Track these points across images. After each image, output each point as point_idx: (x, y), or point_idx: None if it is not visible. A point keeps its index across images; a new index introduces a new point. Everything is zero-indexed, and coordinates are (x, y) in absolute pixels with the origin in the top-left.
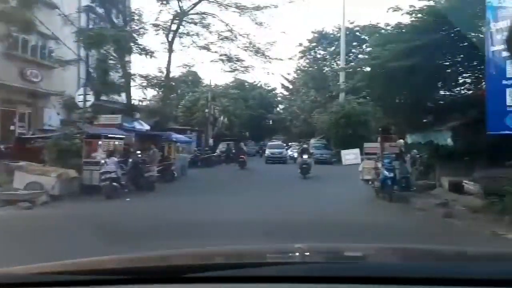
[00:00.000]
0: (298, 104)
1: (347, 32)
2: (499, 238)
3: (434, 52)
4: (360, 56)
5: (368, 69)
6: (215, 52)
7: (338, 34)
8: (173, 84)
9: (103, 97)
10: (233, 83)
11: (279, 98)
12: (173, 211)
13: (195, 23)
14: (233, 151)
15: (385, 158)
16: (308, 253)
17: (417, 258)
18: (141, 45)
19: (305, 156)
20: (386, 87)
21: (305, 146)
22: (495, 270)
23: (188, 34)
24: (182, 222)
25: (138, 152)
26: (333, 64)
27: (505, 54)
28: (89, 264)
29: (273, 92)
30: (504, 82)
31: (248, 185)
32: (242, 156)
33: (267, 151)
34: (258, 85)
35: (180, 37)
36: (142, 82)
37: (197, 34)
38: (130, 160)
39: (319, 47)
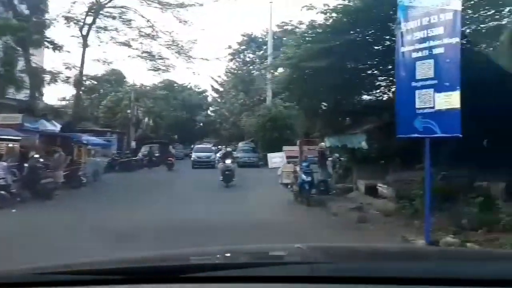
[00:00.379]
0: (227, 107)
1: (275, 37)
2: (408, 244)
3: (349, 53)
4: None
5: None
6: (136, 49)
7: (267, 38)
8: (94, 82)
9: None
10: (161, 84)
11: (209, 101)
12: (60, 221)
13: (114, 18)
14: (156, 154)
15: (303, 162)
16: (308, 253)
17: (417, 258)
18: (48, 38)
19: (227, 161)
20: (303, 89)
21: (228, 149)
22: (495, 270)
23: (106, 29)
24: (61, 233)
25: (37, 155)
26: (261, 68)
27: (414, 55)
28: (89, 264)
29: (204, 94)
30: (414, 84)
31: (163, 192)
32: (170, 159)
33: (194, 155)
34: (188, 86)
35: (98, 31)
36: (45, 78)
37: (116, 30)
38: (27, 164)
39: (248, 51)
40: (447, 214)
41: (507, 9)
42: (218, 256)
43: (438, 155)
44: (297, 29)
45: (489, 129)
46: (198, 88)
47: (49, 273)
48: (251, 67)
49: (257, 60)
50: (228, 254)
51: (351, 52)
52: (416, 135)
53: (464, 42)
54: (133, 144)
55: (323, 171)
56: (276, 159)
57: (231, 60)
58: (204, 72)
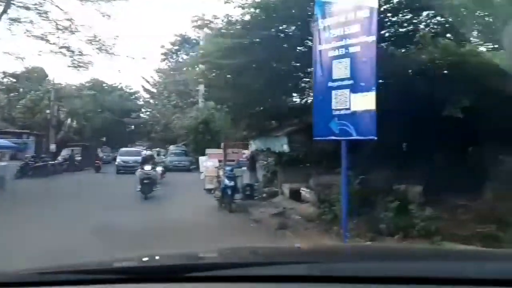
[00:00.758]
0: (159, 109)
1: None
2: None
3: (270, 53)
4: None
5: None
6: (54, 44)
7: (201, 40)
8: (13, 80)
9: None
10: (88, 83)
11: (142, 102)
12: None
13: (28, 8)
14: (78, 158)
15: (226, 166)
16: (308, 253)
17: (417, 258)
18: None
19: (147, 167)
20: (224, 89)
21: (148, 152)
22: (495, 270)
23: (19, 20)
24: None
25: None
26: (196, 69)
27: (331, 53)
28: (89, 264)
29: (136, 95)
30: (330, 84)
31: (71, 202)
32: (97, 162)
33: (119, 159)
34: (119, 87)
35: (11, 24)
36: None
37: (31, 22)
38: None
39: (182, 51)
40: (365, 219)
41: (425, 13)
42: (218, 256)
43: (357, 158)
44: (212, 24)
45: (409, 132)
46: (130, 89)
47: (49, 273)
48: (184, 68)
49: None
50: (228, 254)
51: (272, 52)
52: (332, 137)
53: (384, 45)
54: (53, 147)
55: (252, 175)
56: (208, 162)
57: (164, 60)
58: (137, 73)
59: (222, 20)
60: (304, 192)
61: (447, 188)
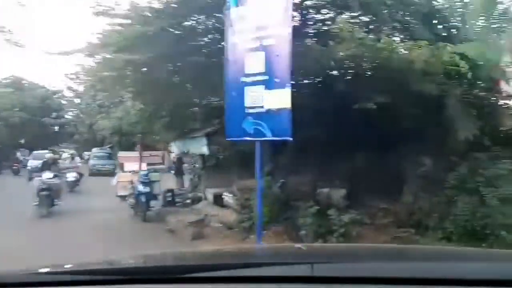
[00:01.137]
0: (83, 108)
1: None
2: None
3: (184, 45)
4: None
5: None
6: None
7: None
8: None
9: None
10: (6, 80)
11: (66, 102)
12: None
13: None
14: None
15: (141, 170)
16: (308, 253)
17: (417, 258)
18: None
19: (47, 175)
20: (134, 83)
21: (49, 155)
22: (495, 270)
23: None
24: None
25: None
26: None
27: (245, 46)
28: (89, 264)
29: (60, 94)
30: (243, 79)
31: None
32: (16, 164)
33: (30, 163)
34: (41, 84)
35: None
36: None
37: None
38: None
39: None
40: (286, 225)
41: (348, 12)
42: (218, 256)
43: (279, 160)
44: (113, 11)
45: (332, 133)
46: (53, 87)
47: (49, 273)
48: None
49: None
50: (228, 254)
51: (188, 45)
52: (246, 138)
53: (306, 42)
54: None
55: (179, 180)
56: (133, 166)
57: (90, 56)
58: (62, 70)
59: (127, 8)
60: (227, 197)
61: (369, 190)
